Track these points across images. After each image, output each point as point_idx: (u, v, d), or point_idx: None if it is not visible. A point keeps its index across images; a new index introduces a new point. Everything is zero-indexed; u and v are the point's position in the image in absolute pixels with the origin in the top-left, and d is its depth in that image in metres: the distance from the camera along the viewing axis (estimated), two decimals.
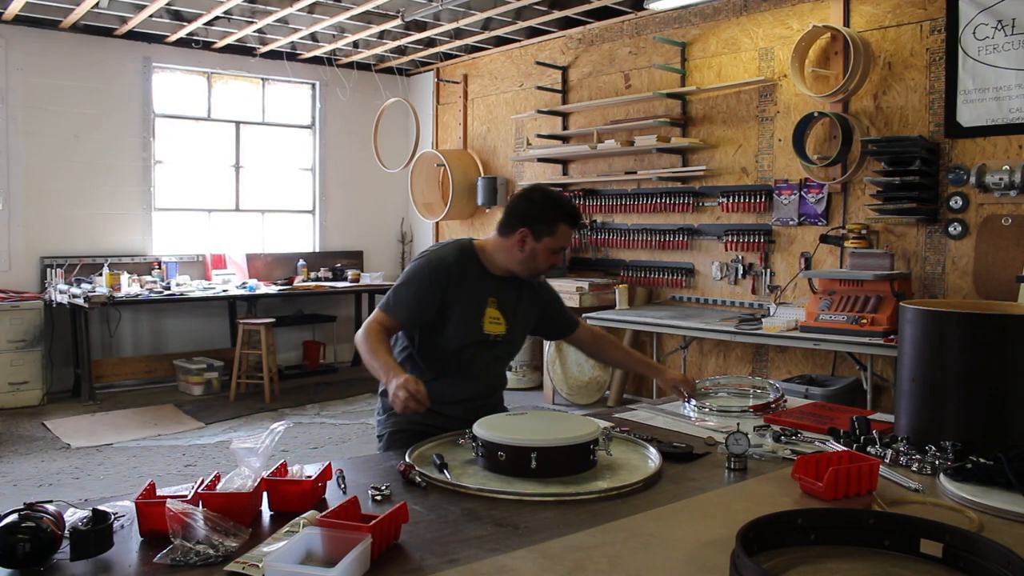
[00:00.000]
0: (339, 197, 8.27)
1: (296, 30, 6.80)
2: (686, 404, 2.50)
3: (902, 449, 1.91)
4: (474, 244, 2.45)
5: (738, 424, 2.07)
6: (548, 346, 6.26)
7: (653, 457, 1.93)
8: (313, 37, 7.08)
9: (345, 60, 7.90)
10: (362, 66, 8.14)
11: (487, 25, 6.70)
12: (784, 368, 5.39)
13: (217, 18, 6.43)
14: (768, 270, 5.50)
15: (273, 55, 7.55)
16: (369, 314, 2.66)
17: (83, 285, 6.32)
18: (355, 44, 7.36)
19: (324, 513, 1.44)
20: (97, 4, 5.93)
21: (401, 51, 7.64)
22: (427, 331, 2.34)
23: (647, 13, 6.07)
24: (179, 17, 6.48)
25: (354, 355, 8.25)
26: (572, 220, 2.37)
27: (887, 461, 1.89)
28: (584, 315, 5.88)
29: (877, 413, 2.46)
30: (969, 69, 4.49)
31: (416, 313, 2.29)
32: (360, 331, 2.26)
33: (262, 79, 7.82)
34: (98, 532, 1.35)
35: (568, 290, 6.07)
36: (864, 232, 4.88)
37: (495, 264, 2.40)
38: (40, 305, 6.32)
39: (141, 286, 6.55)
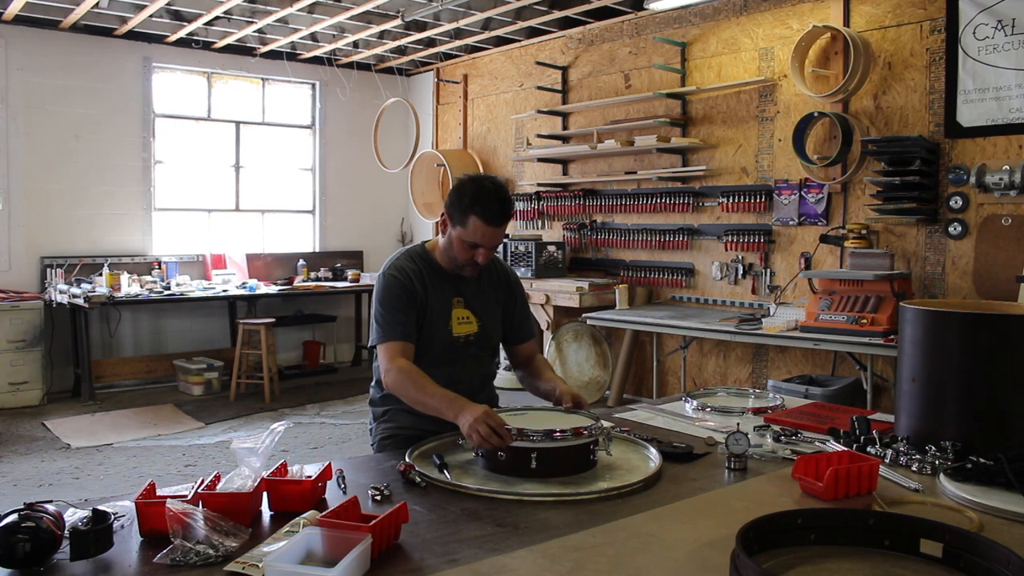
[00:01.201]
0: (339, 197, 8.27)
1: (296, 30, 6.80)
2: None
3: (902, 449, 1.91)
4: (425, 246, 2.34)
5: (738, 424, 2.07)
6: (548, 346, 6.26)
7: (653, 457, 1.93)
8: (313, 37, 7.08)
9: (345, 60, 7.90)
10: (362, 66, 8.14)
11: (487, 25, 6.70)
12: (784, 368, 5.39)
13: (217, 18, 6.43)
14: (768, 270, 5.50)
15: (273, 55, 7.55)
16: (368, 317, 2.60)
17: (83, 285, 6.32)
18: (355, 44, 7.36)
19: (324, 513, 1.44)
20: (97, 4, 5.93)
21: (401, 51, 7.64)
22: None
23: (647, 13, 6.06)
24: (179, 17, 6.48)
25: (354, 355, 8.25)
26: (486, 215, 2.13)
27: (887, 461, 1.88)
28: (584, 315, 5.89)
29: (877, 413, 2.46)
30: (969, 69, 4.49)
31: (413, 326, 2.20)
32: (393, 377, 2.10)
33: (262, 79, 7.82)
34: (98, 532, 1.35)
35: (568, 290, 6.07)
36: (864, 232, 4.88)
37: (447, 260, 2.27)
38: (40, 305, 6.32)
39: (141, 286, 6.55)
